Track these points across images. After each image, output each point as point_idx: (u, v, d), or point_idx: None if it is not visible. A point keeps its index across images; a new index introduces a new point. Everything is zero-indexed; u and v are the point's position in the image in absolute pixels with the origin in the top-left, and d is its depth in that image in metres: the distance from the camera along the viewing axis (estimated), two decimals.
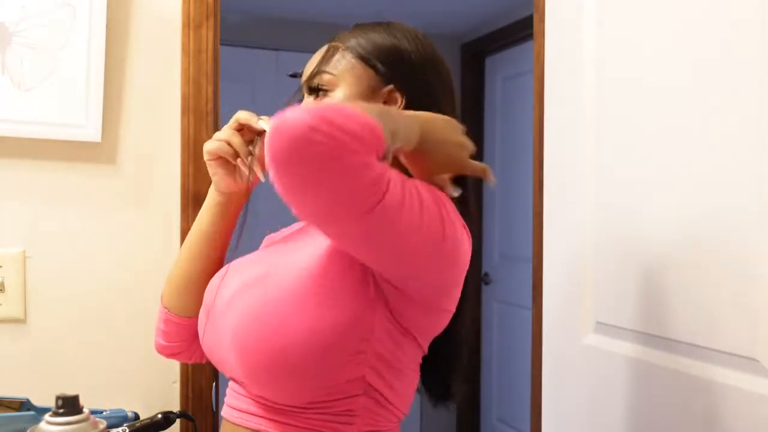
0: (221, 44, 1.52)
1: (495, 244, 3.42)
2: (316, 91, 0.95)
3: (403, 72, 0.94)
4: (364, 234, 0.75)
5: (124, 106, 1.43)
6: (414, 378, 0.93)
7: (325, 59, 0.95)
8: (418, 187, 0.79)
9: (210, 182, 1.02)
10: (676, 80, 1.19)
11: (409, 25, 1.00)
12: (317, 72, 0.95)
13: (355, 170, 0.69)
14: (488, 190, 3.47)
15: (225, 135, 0.95)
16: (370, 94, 0.93)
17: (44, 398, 1.18)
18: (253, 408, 0.89)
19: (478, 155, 0.91)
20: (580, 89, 1.42)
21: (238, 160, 0.95)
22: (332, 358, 0.83)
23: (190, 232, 1.05)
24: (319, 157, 0.67)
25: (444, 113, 0.92)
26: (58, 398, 0.94)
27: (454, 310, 0.91)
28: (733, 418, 1.07)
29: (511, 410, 3.26)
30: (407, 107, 0.93)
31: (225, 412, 0.95)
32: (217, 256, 1.04)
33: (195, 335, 1.05)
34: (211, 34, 1.47)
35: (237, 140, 0.94)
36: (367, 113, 0.72)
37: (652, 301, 1.23)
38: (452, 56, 3.59)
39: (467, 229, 0.87)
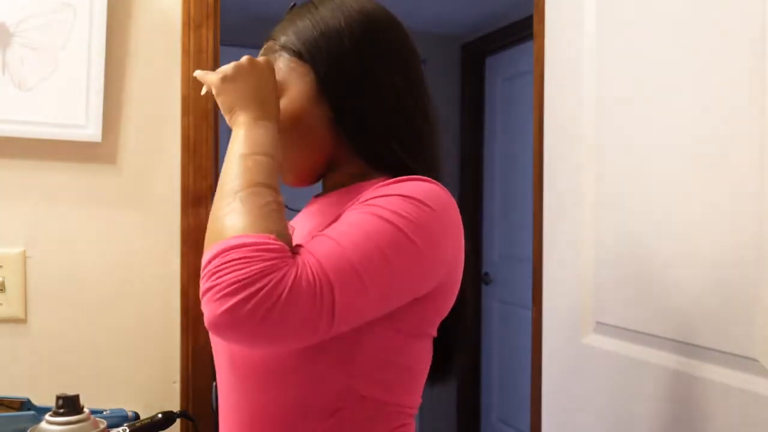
0: (221, 44, 1.52)
1: (495, 244, 3.42)
2: None
3: (337, 56, 0.88)
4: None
5: (124, 106, 1.43)
6: (423, 368, 0.90)
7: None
8: (351, 225, 0.75)
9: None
10: (677, 79, 1.19)
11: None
12: None
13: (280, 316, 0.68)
14: (489, 189, 3.47)
15: None
16: (318, 91, 0.89)
17: (44, 398, 1.18)
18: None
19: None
20: (580, 89, 1.42)
21: None
22: (309, 370, 0.80)
23: None
24: (247, 323, 0.68)
25: (397, 74, 0.90)
26: (58, 398, 0.94)
27: (459, 285, 0.88)
28: (733, 418, 1.07)
29: (511, 410, 3.26)
30: (349, 89, 0.88)
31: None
32: None
33: None
34: (211, 34, 1.47)
35: None
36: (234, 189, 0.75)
37: (652, 301, 1.23)
38: (452, 56, 3.59)
39: (442, 197, 0.82)
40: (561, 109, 1.49)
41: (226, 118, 0.85)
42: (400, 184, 0.81)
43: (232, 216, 0.73)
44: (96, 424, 0.96)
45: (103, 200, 1.42)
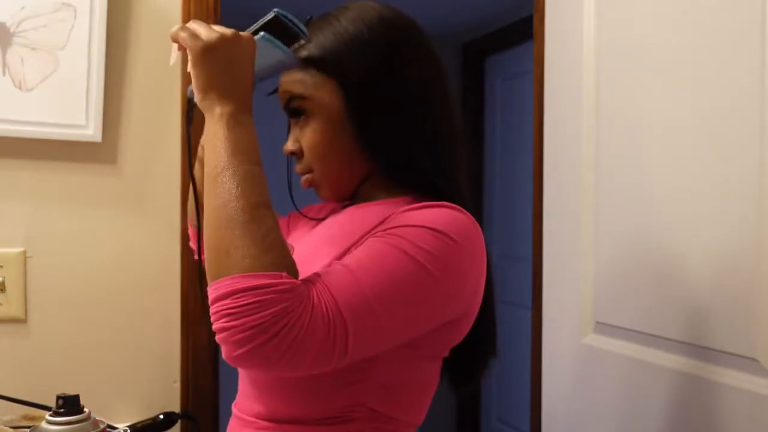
0: None
1: (495, 244, 3.42)
2: (297, 113, 0.90)
3: (362, 69, 0.86)
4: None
5: (124, 106, 1.43)
6: (433, 388, 0.90)
7: (296, 78, 0.89)
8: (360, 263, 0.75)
9: None
10: (677, 80, 1.19)
11: None
12: (290, 98, 0.89)
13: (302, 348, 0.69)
14: (489, 190, 3.47)
15: None
16: (346, 106, 0.86)
17: (44, 398, 1.18)
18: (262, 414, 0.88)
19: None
20: (580, 89, 1.42)
21: None
22: (321, 384, 0.81)
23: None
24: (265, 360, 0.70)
25: (424, 86, 0.87)
26: (58, 398, 0.94)
27: (478, 309, 0.88)
28: (733, 418, 1.07)
29: (511, 410, 3.26)
30: (374, 104, 0.86)
31: (235, 410, 0.94)
32: None
33: None
34: None
35: None
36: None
37: (651, 300, 1.23)
38: (452, 56, 3.59)
39: (466, 226, 0.81)
40: (561, 109, 1.49)
41: (197, 96, 0.78)
42: (425, 211, 0.80)
43: (237, 249, 0.71)
44: (96, 424, 0.96)
45: (103, 200, 1.42)
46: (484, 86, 3.52)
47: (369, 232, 0.82)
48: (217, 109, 0.77)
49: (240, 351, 0.69)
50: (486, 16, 3.28)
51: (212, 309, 0.71)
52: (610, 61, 1.35)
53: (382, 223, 0.81)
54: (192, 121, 0.88)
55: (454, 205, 0.82)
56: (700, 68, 1.14)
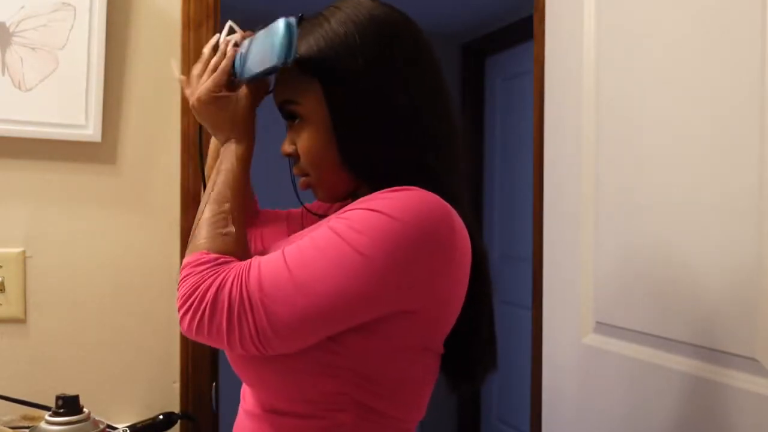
0: None
1: (495, 244, 3.41)
2: (291, 117, 0.89)
3: (349, 77, 0.83)
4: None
5: (124, 106, 1.43)
6: (423, 383, 0.88)
7: (289, 81, 0.87)
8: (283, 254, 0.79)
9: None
10: (677, 79, 1.19)
11: None
12: (283, 102, 0.88)
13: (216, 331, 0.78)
14: (489, 190, 3.47)
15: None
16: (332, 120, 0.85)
17: (44, 398, 1.18)
18: (257, 409, 0.89)
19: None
20: (580, 89, 1.42)
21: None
22: (295, 368, 0.81)
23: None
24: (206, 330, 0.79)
25: (416, 90, 0.85)
26: (58, 398, 0.94)
27: (460, 304, 0.85)
28: (733, 418, 1.07)
29: (511, 410, 3.26)
30: (361, 116, 0.84)
31: (240, 401, 0.95)
32: None
33: None
34: (211, 34, 1.47)
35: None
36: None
37: (652, 300, 1.23)
38: (452, 56, 3.59)
39: (426, 211, 0.78)
40: (561, 109, 1.49)
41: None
42: (384, 195, 0.79)
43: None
44: (96, 424, 0.96)
45: (103, 200, 1.42)
46: (484, 86, 3.52)
47: None
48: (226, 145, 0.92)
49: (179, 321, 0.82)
50: (486, 16, 3.28)
51: None
52: (610, 61, 1.35)
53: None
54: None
55: (422, 190, 0.79)
56: (700, 68, 1.14)
